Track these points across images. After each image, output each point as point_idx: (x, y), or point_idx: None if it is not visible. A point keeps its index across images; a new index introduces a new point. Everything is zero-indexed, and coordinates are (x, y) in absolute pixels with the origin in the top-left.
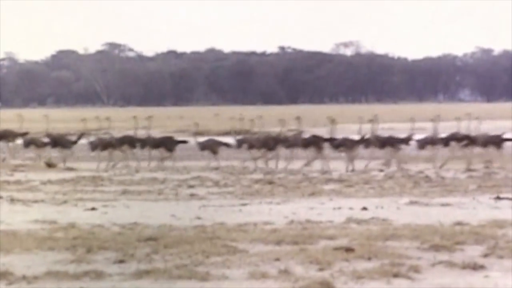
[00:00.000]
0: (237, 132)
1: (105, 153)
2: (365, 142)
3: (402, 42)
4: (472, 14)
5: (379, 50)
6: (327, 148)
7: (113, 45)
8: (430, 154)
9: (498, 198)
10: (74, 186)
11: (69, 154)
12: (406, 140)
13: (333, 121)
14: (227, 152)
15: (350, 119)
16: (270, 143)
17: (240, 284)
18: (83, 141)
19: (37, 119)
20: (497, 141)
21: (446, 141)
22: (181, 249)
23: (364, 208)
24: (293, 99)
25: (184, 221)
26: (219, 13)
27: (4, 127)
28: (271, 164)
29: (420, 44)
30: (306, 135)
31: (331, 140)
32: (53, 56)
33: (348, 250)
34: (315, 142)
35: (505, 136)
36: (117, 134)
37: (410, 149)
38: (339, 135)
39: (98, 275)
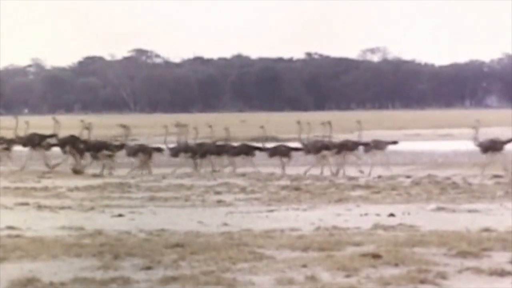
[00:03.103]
0: (264, 139)
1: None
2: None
3: (429, 48)
4: (499, 20)
5: (406, 56)
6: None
7: (140, 52)
8: (183, 161)
9: None
10: (101, 192)
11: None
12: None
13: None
14: (254, 158)
15: (378, 125)
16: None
17: None
18: None
19: (65, 125)
20: (247, 151)
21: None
22: (208, 255)
23: (391, 215)
24: (320, 106)
25: (211, 227)
26: (246, 20)
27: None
28: None
29: (447, 50)
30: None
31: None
32: (80, 63)
33: (375, 256)
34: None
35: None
36: (146, 140)
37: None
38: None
39: (125, 282)
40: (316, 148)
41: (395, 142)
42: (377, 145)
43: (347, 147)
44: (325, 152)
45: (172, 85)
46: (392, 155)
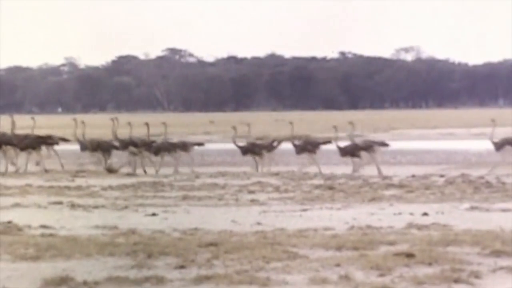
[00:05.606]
0: (296, 138)
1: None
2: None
3: (462, 47)
4: None
5: (440, 55)
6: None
7: (174, 51)
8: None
9: None
10: (134, 191)
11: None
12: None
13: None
14: (288, 157)
15: (412, 125)
16: None
17: None
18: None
19: (101, 125)
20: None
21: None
22: (242, 254)
23: (425, 214)
24: (353, 105)
25: (244, 226)
26: (280, 19)
27: (66, 133)
28: None
29: (481, 49)
30: None
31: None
32: (114, 62)
33: (409, 255)
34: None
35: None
36: (178, 139)
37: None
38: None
39: (159, 281)
40: (124, 144)
41: (200, 144)
42: (183, 147)
43: (164, 147)
44: (132, 149)
45: (205, 84)
46: (426, 154)
